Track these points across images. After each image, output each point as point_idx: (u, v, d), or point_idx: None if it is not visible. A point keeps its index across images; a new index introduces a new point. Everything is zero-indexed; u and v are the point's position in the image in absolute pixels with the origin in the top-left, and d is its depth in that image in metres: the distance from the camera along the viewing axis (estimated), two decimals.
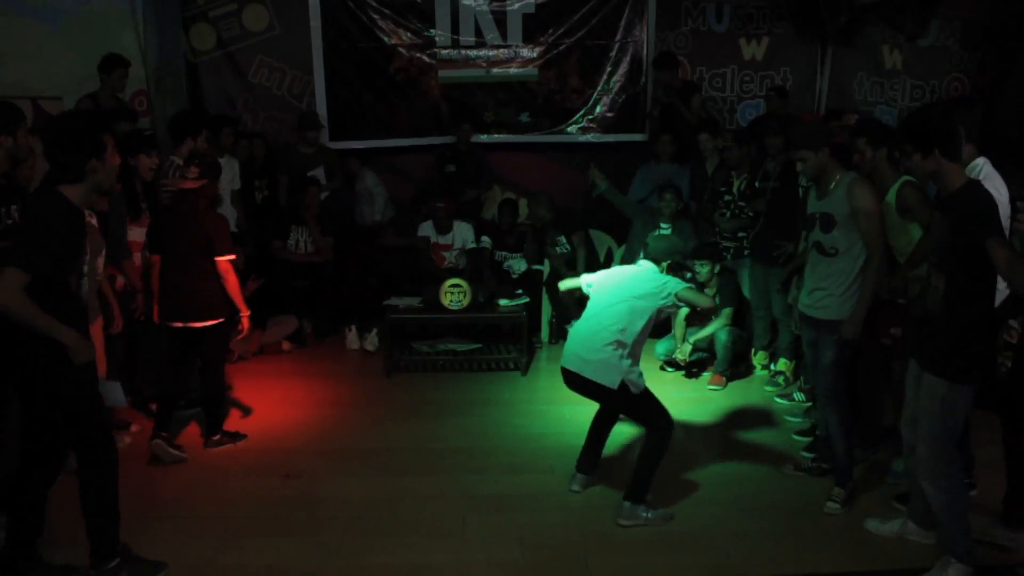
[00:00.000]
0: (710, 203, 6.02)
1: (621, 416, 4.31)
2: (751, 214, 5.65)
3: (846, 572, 3.48)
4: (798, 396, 5.30)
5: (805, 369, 5.07)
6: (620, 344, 3.80)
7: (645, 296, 3.88)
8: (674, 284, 3.92)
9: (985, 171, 3.90)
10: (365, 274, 7.09)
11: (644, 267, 4.06)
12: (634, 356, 3.85)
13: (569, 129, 7.79)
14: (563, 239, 6.63)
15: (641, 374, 3.87)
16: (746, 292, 5.81)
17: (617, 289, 3.97)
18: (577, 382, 3.91)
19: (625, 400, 3.86)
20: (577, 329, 4.04)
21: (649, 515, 3.83)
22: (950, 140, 3.17)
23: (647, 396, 3.88)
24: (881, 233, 3.82)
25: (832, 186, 3.90)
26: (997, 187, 3.80)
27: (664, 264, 4.06)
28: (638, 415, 4.11)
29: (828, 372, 3.97)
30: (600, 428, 4.21)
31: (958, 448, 3.38)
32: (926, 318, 3.29)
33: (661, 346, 5.99)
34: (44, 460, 3.24)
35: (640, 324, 3.85)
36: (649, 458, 3.84)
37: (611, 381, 3.78)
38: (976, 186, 3.22)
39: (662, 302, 3.88)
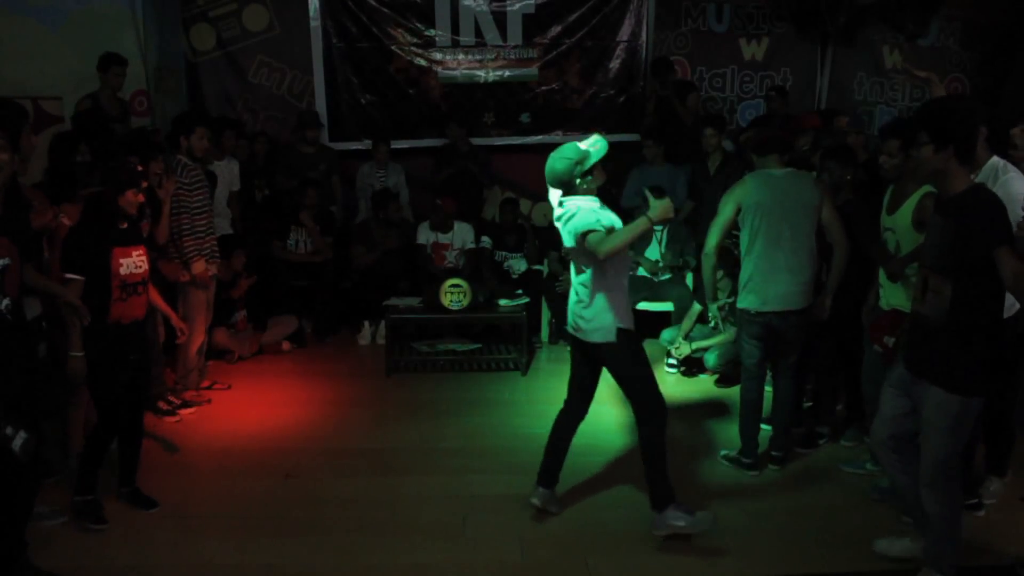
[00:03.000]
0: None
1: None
2: None
3: (846, 572, 3.48)
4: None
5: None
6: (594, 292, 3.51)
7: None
8: (584, 223, 3.40)
9: (1007, 177, 3.57)
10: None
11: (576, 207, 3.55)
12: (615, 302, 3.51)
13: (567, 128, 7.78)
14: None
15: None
16: None
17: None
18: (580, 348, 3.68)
19: (617, 358, 3.55)
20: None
21: (683, 523, 3.58)
22: (967, 141, 2.92)
23: (643, 365, 3.57)
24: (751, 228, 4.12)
25: None
26: (1020, 187, 3.51)
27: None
28: (629, 385, 3.63)
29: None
30: (560, 434, 3.87)
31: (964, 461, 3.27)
32: (925, 326, 3.07)
33: (668, 333, 5.99)
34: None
35: (591, 265, 3.47)
36: (648, 458, 3.62)
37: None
38: (981, 191, 2.97)
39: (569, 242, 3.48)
